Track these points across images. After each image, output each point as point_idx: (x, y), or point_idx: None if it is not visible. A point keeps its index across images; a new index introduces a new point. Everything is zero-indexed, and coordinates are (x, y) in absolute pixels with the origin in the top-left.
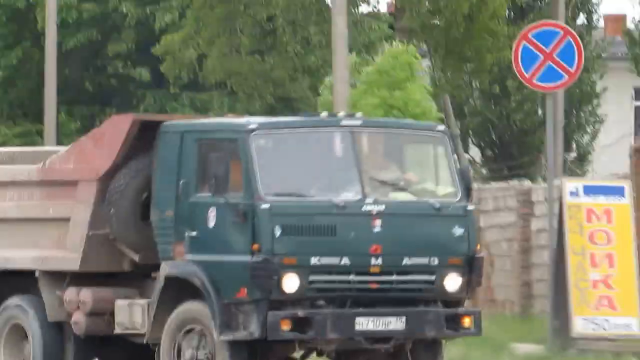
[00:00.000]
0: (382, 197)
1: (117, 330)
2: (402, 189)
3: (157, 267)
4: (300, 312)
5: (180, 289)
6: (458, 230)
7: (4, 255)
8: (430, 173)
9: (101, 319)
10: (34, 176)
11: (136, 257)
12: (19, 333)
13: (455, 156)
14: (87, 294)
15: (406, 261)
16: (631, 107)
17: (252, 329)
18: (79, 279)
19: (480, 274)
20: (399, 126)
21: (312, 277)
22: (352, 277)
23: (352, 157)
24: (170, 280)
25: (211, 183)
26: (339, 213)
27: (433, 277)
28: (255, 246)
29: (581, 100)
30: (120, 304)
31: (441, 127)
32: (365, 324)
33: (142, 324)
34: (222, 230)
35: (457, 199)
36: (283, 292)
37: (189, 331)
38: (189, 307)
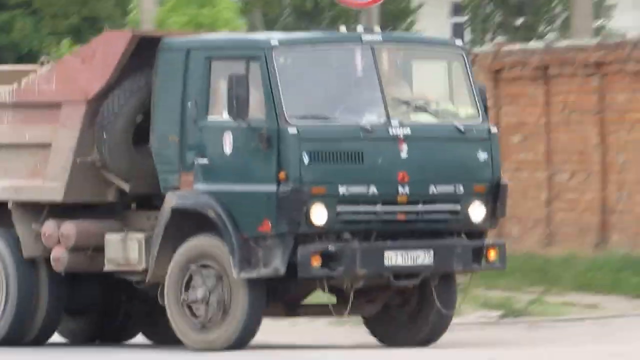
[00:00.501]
0: (406, 119)
1: (109, 267)
2: (424, 110)
3: (145, 198)
4: (331, 247)
5: (187, 223)
6: (482, 155)
7: None
8: (450, 92)
9: (84, 255)
10: (7, 98)
11: (126, 187)
12: None
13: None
14: (70, 227)
15: (432, 189)
16: (448, 23)
17: (276, 266)
18: (57, 211)
19: (505, 203)
20: (420, 41)
21: (339, 208)
22: (379, 208)
23: (374, 75)
24: (177, 213)
25: (229, 105)
26: (366, 138)
27: (458, 207)
28: (282, 174)
29: (397, 17)
30: (112, 238)
31: (459, 43)
32: (394, 258)
33: (138, 261)
34: (241, 157)
35: (480, 121)
36: (312, 225)
37: (198, 268)
38: (200, 242)
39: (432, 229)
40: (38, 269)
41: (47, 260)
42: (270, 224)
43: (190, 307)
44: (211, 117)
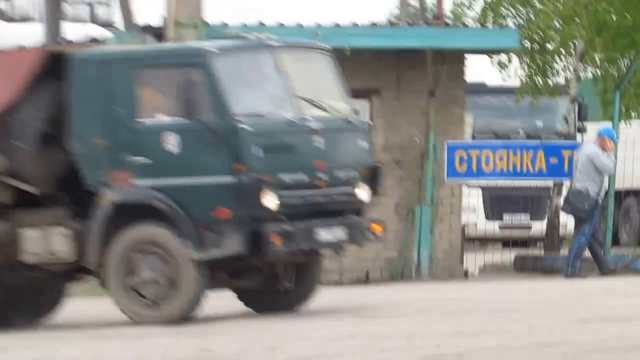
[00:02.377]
0: (312, 114)
1: (29, 259)
2: (318, 107)
3: (33, 197)
4: (287, 227)
5: (125, 214)
6: (363, 144)
7: None
8: (327, 89)
9: None
10: None
11: (33, 189)
12: None
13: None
14: None
15: (338, 174)
16: None
17: (234, 246)
18: None
19: (381, 184)
20: (300, 45)
21: (282, 193)
22: (306, 192)
23: (281, 76)
24: (118, 206)
25: (181, 107)
26: (294, 131)
27: (351, 189)
28: (239, 166)
29: None
30: (30, 234)
31: (328, 47)
32: (324, 235)
33: (67, 253)
34: (188, 154)
35: (354, 114)
36: (265, 209)
37: (143, 254)
38: (144, 231)
39: (338, 209)
40: None
41: None
42: (228, 210)
43: (136, 289)
44: (144, 121)
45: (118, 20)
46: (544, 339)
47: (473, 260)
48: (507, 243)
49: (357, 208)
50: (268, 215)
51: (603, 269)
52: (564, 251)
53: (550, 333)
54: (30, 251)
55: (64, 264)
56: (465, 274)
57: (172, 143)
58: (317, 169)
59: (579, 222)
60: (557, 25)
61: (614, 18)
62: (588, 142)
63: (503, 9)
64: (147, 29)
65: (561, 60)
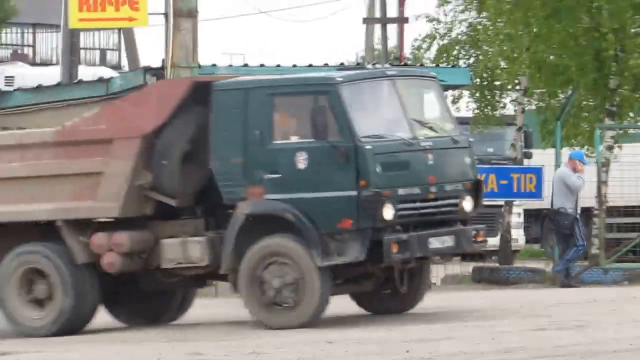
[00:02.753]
0: (424, 134)
1: (166, 265)
2: (428, 127)
3: (170, 209)
4: (404, 236)
5: (257, 225)
6: (467, 159)
7: (16, 210)
8: (435, 112)
9: (133, 258)
10: (49, 138)
11: (173, 202)
12: (30, 276)
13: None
14: (123, 237)
15: (446, 187)
16: None
17: (356, 254)
18: (100, 224)
19: (482, 196)
20: (412, 74)
21: (399, 206)
22: (419, 204)
23: (397, 101)
24: (251, 218)
25: (312, 130)
26: (408, 149)
27: (457, 201)
28: (363, 182)
29: None
30: (169, 242)
31: (434, 73)
32: (434, 243)
33: (201, 259)
34: (317, 170)
35: (458, 132)
36: (384, 220)
37: (273, 262)
38: (274, 242)
39: (446, 219)
40: (87, 272)
41: (93, 264)
42: (350, 222)
43: (263, 292)
44: (279, 142)
45: (125, 63)
46: (505, 344)
47: (435, 272)
48: (465, 257)
49: (463, 218)
50: (386, 225)
51: (568, 281)
52: (518, 263)
53: (510, 340)
54: (169, 258)
55: (199, 269)
56: (429, 285)
57: (302, 162)
58: (428, 183)
59: (563, 238)
60: (503, 65)
61: (552, 58)
62: (561, 165)
63: (455, 51)
64: (149, 70)
65: (508, 94)
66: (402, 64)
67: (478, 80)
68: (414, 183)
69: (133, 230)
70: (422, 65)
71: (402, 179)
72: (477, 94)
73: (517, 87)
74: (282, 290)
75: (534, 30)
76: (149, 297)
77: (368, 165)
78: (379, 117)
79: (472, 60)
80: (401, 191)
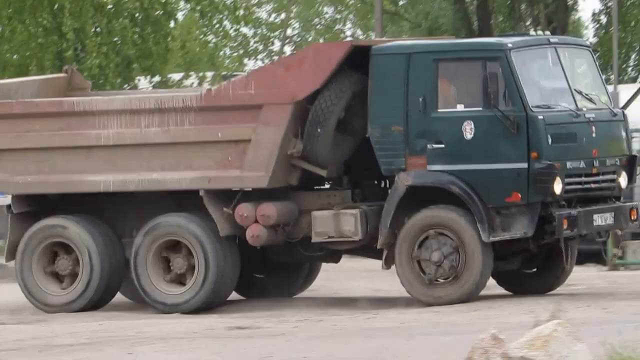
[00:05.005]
0: (585, 105)
1: (317, 239)
2: (589, 99)
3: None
4: (574, 212)
5: (418, 198)
6: (623, 134)
7: (156, 178)
8: (592, 83)
9: (278, 230)
10: (193, 103)
11: (323, 173)
12: (165, 254)
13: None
14: (269, 208)
15: (607, 162)
16: None
17: (524, 229)
18: (243, 195)
19: (636, 172)
20: (571, 42)
21: (567, 180)
22: (583, 179)
23: (562, 70)
24: (412, 189)
25: (484, 98)
26: (575, 121)
27: (615, 176)
28: (535, 154)
29: None
30: (321, 214)
31: (588, 42)
32: (598, 220)
33: (354, 232)
34: (484, 141)
35: (612, 105)
36: (553, 195)
37: (435, 234)
38: (437, 213)
39: (603, 195)
40: (228, 246)
41: (235, 237)
42: (519, 195)
43: (420, 264)
44: (443, 110)
45: None
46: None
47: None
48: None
49: (617, 194)
50: (554, 200)
51: None
52: None
53: None
54: (319, 231)
55: (349, 244)
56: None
57: (469, 131)
58: (592, 157)
59: None
60: None
61: (15, 57)
62: None
63: None
64: None
65: None
66: None
67: None
68: (579, 156)
69: (278, 200)
70: None
71: (569, 151)
72: None
73: None
74: (442, 265)
75: None
76: (276, 269)
77: (540, 136)
78: (545, 85)
79: None
80: (569, 164)
